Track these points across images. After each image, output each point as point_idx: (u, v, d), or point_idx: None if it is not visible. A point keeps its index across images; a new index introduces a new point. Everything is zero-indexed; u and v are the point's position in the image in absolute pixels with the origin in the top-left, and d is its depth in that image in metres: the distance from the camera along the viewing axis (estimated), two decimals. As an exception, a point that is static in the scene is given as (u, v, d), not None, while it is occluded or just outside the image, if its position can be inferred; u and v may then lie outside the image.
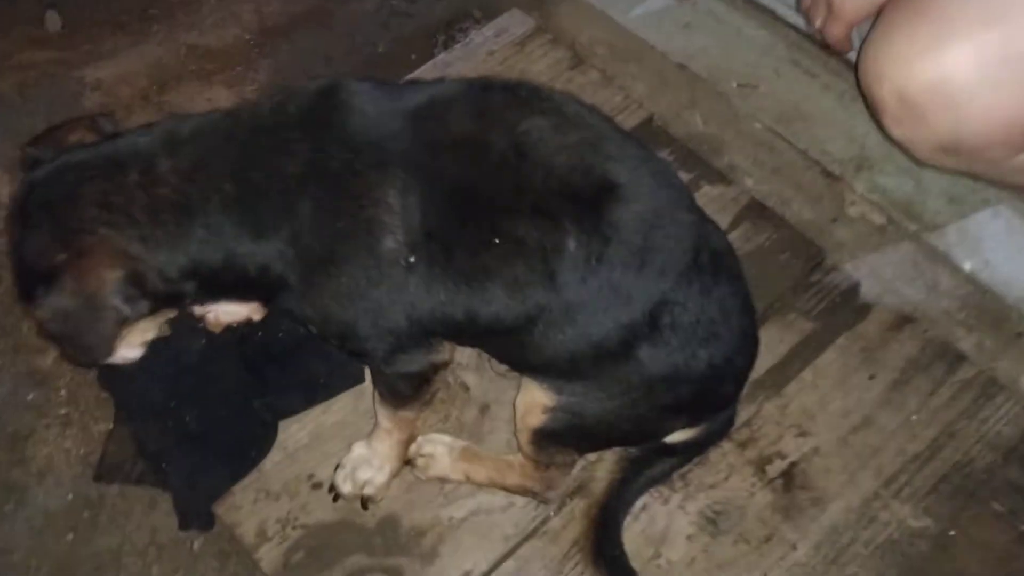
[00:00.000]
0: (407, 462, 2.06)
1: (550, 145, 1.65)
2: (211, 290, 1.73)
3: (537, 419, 1.90)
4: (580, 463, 2.12)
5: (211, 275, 1.66)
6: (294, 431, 2.16)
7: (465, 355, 2.20)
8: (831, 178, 2.76)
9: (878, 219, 2.54)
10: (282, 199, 1.60)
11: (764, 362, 2.39)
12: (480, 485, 2.14)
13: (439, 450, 2.14)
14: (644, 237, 1.68)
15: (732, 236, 2.61)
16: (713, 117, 2.91)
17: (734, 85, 2.98)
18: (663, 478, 2.07)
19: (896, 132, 1.77)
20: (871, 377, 2.27)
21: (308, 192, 1.55)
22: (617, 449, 2.15)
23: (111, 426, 2.11)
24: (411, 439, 2.12)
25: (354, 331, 1.69)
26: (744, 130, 2.89)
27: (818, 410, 2.24)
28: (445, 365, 1.93)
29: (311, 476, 2.12)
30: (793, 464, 2.25)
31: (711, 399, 1.92)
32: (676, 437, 2.07)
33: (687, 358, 1.78)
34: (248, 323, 2.18)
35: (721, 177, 2.73)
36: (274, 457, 2.11)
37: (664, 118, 2.86)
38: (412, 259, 1.58)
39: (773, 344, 2.41)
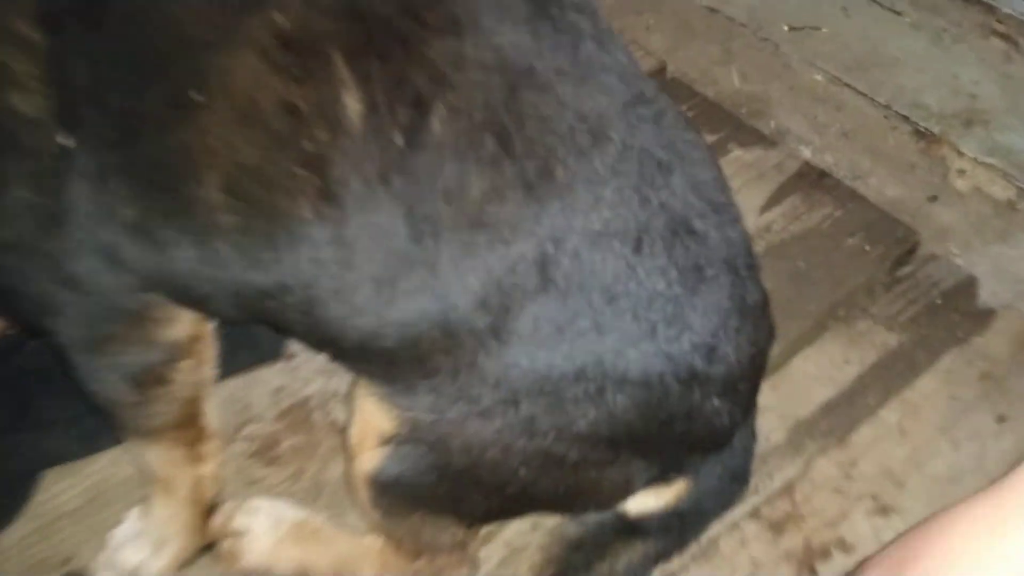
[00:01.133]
0: (209, 543, 1.25)
1: None
2: None
3: (373, 457, 1.13)
4: (501, 549, 1.30)
5: None
6: (62, 489, 1.38)
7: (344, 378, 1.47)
8: (927, 139, 1.91)
9: (1001, 192, 1.79)
10: None
11: (817, 393, 1.50)
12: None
13: (258, 524, 1.32)
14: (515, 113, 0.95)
15: (773, 214, 1.76)
16: (755, 70, 2.13)
17: (784, 29, 2.19)
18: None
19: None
20: (1000, 420, 1.34)
21: None
22: (554, 522, 1.26)
23: None
24: (208, 502, 1.30)
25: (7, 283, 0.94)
26: (799, 84, 2.10)
27: (909, 471, 1.46)
28: (190, 349, 1.17)
29: (67, 560, 1.31)
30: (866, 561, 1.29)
31: (685, 427, 1.05)
32: (644, 503, 1.18)
33: (619, 340, 1.00)
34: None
35: (759, 137, 1.88)
36: (20, 529, 1.37)
37: (688, 76, 2.06)
38: (69, 142, 0.81)
39: (832, 366, 1.53)
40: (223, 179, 0.94)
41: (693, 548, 1.34)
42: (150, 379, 1.15)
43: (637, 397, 1.02)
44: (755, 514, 1.40)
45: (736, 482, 1.28)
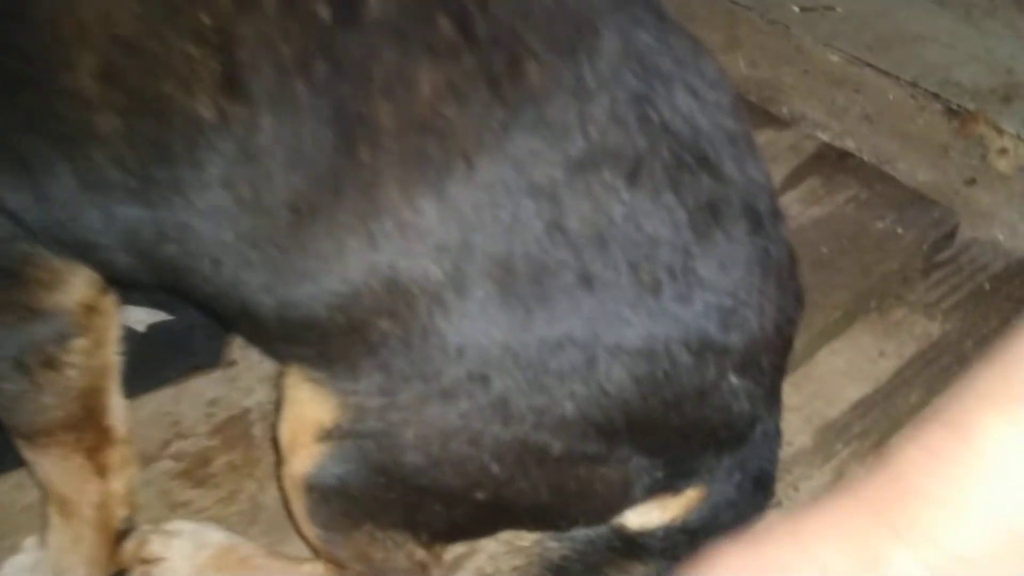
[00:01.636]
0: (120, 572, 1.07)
1: None
2: None
3: (309, 456, 0.91)
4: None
5: None
6: (-46, 517, 1.14)
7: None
8: (961, 118, 1.69)
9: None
10: None
11: (848, 390, 1.26)
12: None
13: (177, 551, 1.08)
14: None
15: (789, 198, 1.53)
16: (764, 55, 1.93)
17: (795, 10, 1.98)
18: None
19: None
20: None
21: None
22: (534, 540, 1.02)
23: None
24: (118, 526, 1.07)
25: None
26: (813, 67, 1.91)
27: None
28: (86, 324, 0.96)
29: (-50, 602, 1.08)
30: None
31: (696, 411, 0.82)
32: (646, 516, 0.97)
33: (613, 298, 0.80)
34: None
35: (771, 119, 1.68)
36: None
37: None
38: None
39: (865, 360, 1.29)
40: (98, 60, 0.74)
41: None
42: (36, 361, 0.94)
43: (636, 371, 0.80)
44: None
45: (759, 491, 1.03)
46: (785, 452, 1.14)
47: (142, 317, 1.39)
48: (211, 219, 0.80)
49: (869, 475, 0.55)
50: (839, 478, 1.20)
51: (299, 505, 0.95)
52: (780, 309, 0.88)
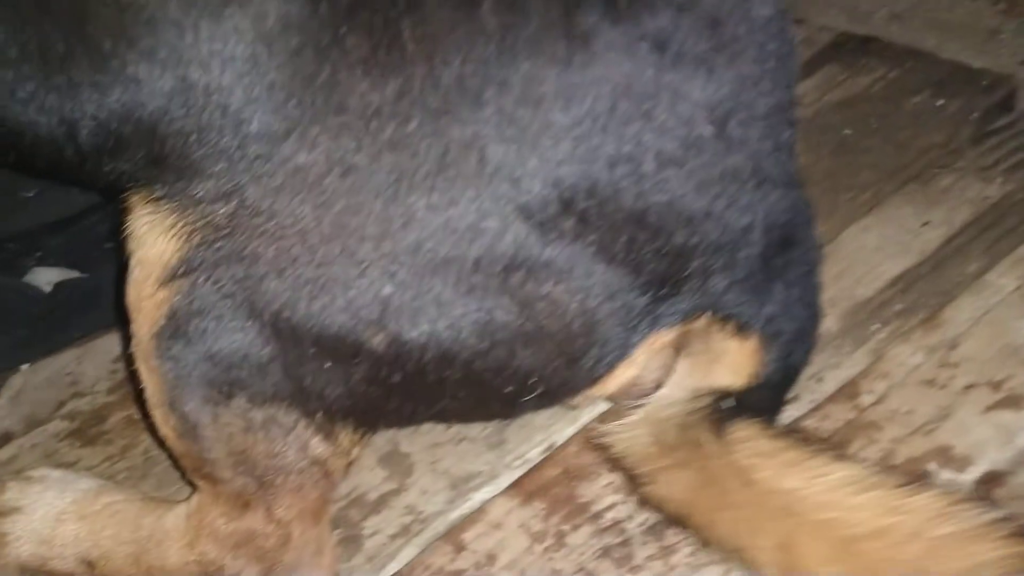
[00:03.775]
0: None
1: None
2: None
3: (155, 309, 0.72)
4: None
5: None
6: None
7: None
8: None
9: None
10: None
11: (884, 267, 1.03)
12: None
13: (35, 497, 0.86)
14: None
15: (804, 86, 1.28)
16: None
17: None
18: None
19: None
20: None
21: None
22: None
23: None
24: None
25: None
26: None
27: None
28: None
29: None
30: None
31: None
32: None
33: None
34: None
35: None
36: None
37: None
38: None
39: (905, 232, 1.05)
40: None
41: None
42: None
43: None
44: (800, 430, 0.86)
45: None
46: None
47: (52, 277, 1.22)
48: None
49: None
50: (878, 361, 0.91)
51: (153, 384, 0.73)
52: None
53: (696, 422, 0.79)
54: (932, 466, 0.82)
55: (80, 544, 0.86)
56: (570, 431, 0.93)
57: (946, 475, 0.80)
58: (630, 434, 0.82)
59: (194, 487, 0.81)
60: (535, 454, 0.92)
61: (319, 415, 0.74)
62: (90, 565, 0.85)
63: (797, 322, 0.77)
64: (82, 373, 1.11)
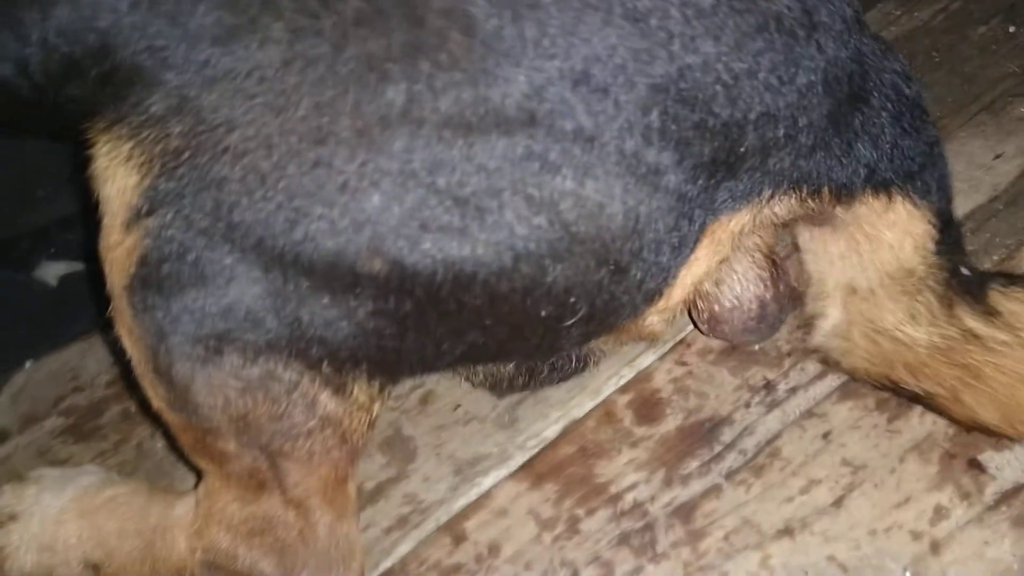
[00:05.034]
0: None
1: None
2: None
3: (125, 255, 0.63)
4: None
5: None
6: None
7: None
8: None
9: None
10: None
11: (959, 201, 0.85)
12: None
13: (33, 500, 0.81)
14: None
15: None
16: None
17: None
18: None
19: None
20: None
21: None
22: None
23: None
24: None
25: None
26: None
27: None
28: None
29: None
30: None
31: None
32: None
33: None
34: None
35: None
36: None
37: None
38: None
39: (975, 168, 0.93)
40: None
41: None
42: None
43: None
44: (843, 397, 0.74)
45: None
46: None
47: (58, 271, 1.17)
48: None
49: None
50: (944, 310, 0.78)
51: (134, 348, 0.65)
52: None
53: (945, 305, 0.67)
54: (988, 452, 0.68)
55: (83, 544, 0.78)
56: (589, 404, 0.82)
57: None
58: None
59: (200, 476, 0.73)
60: (552, 432, 0.82)
61: (325, 365, 0.63)
62: (95, 568, 0.78)
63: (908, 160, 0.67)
64: (84, 368, 1.05)
